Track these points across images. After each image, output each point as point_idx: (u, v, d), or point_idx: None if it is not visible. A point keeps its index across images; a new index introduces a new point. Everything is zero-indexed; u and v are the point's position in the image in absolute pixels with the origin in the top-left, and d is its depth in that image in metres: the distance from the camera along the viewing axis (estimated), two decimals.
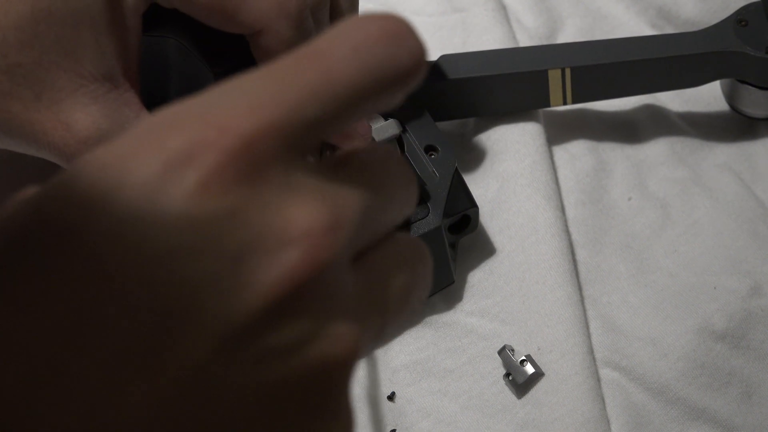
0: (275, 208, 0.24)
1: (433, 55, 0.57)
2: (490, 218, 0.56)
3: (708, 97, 0.62)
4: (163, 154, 0.23)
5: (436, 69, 0.56)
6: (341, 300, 0.25)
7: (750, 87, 0.58)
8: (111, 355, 0.22)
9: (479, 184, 0.57)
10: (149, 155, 0.23)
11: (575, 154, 0.59)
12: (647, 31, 0.64)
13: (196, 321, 0.23)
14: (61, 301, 0.22)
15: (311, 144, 0.26)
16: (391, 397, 0.51)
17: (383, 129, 0.49)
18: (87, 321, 0.22)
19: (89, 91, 0.42)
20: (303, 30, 0.44)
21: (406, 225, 0.51)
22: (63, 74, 0.42)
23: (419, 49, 0.27)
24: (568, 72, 0.56)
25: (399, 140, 0.49)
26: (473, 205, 0.52)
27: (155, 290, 0.23)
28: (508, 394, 0.51)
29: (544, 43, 0.63)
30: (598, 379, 0.51)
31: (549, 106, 0.58)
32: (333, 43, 0.26)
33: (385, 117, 0.52)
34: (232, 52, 0.47)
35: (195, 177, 0.23)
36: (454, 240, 0.53)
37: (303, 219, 0.24)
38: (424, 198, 0.52)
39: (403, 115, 0.53)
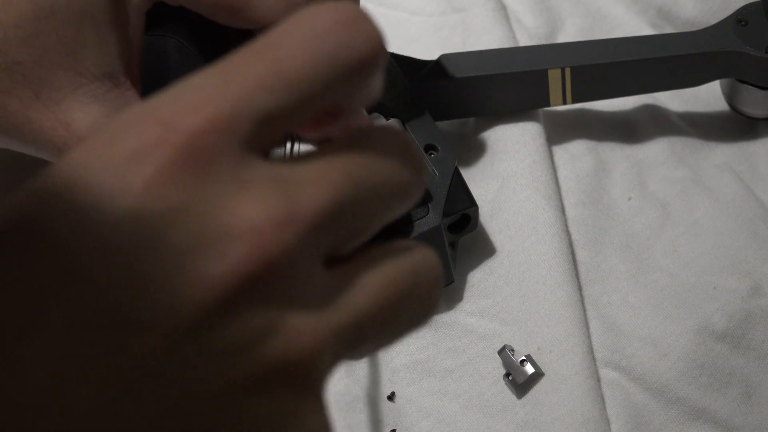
0: (223, 202, 0.24)
1: (433, 55, 0.57)
2: (490, 218, 0.56)
3: (708, 97, 0.62)
4: (113, 155, 0.24)
5: (436, 69, 0.56)
6: (301, 296, 0.25)
7: (750, 87, 0.58)
8: (57, 350, 0.22)
9: (479, 184, 0.57)
10: (100, 157, 0.24)
11: (575, 154, 0.59)
12: (647, 31, 0.64)
13: (143, 316, 0.23)
14: (4, 294, 0.23)
15: (270, 136, 0.25)
16: (391, 397, 0.51)
17: None
18: (31, 315, 0.23)
19: (89, 90, 0.42)
20: None
21: (407, 224, 0.51)
22: (63, 73, 0.42)
23: (375, 35, 0.26)
24: (567, 72, 0.56)
25: None
26: (473, 204, 0.52)
27: (101, 286, 0.23)
28: (508, 394, 0.51)
29: (544, 43, 0.63)
30: (598, 379, 0.51)
31: (549, 105, 0.58)
32: (284, 34, 0.26)
33: (386, 116, 0.51)
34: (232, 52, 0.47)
35: (142, 175, 0.23)
36: (454, 239, 0.53)
37: (250, 213, 0.24)
38: (423, 197, 0.52)
39: (402, 114, 0.53)
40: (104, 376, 0.22)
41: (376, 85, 0.27)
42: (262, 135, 0.25)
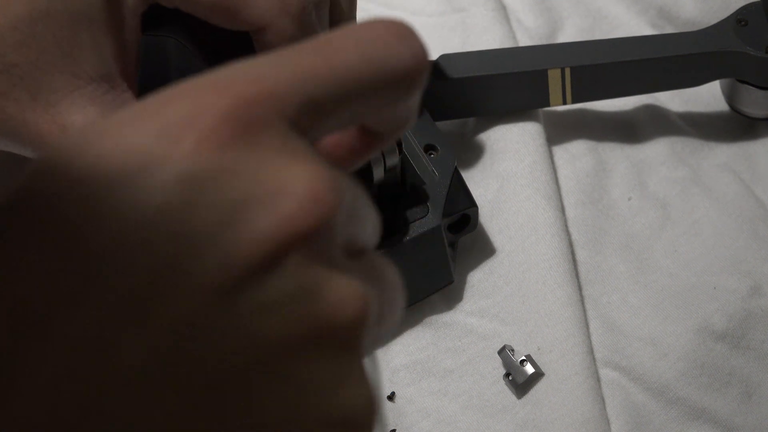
0: (274, 165, 0.24)
1: (433, 55, 0.57)
2: (489, 218, 0.56)
3: (708, 97, 0.62)
4: (162, 119, 0.24)
5: (436, 69, 0.56)
6: (343, 261, 0.25)
7: (750, 87, 0.58)
8: (103, 308, 0.23)
9: (479, 184, 0.57)
10: (147, 121, 0.24)
11: (575, 154, 0.59)
12: (647, 31, 0.64)
13: (189, 273, 0.23)
14: (47, 258, 0.23)
15: (312, 127, 0.26)
16: (391, 397, 0.51)
17: None
18: (77, 275, 0.23)
19: (86, 93, 0.42)
20: (305, 27, 0.44)
21: (405, 225, 0.51)
22: (60, 76, 0.42)
23: (421, 49, 0.27)
24: (567, 72, 0.56)
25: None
26: (473, 204, 0.52)
27: (146, 244, 0.23)
28: (508, 394, 0.51)
29: (544, 43, 0.63)
30: (598, 379, 0.51)
31: (549, 105, 0.58)
32: (339, 36, 0.27)
33: None
34: (232, 52, 0.47)
35: (192, 137, 0.24)
36: (454, 239, 0.53)
37: (303, 174, 0.24)
38: (423, 198, 0.52)
39: None
40: (154, 332, 0.23)
41: (413, 107, 0.28)
42: (307, 121, 0.26)
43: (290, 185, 0.24)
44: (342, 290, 0.25)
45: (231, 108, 0.24)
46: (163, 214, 0.23)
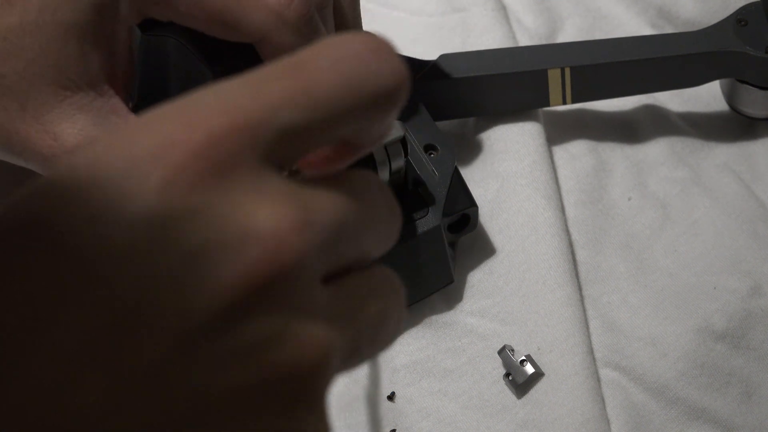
0: (240, 207, 0.24)
1: (433, 55, 0.57)
2: (489, 218, 0.56)
3: (708, 97, 0.62)
4: (132, 153, 0.24)
5: (435, 69, 0.56)
6: (310, 305, 0.25)
7: (750, 87, 0.58)
8: (67, 349, 0.22)
9: (479, 184, 0.57)
10: (118, 154, 0.24)
11: (575, 154, 0.59)
12: (647, 31, 0.64)
13: (154, 318, 0.23)
14: (15, 294, 0.23)
15: (288, 154, 0.25)
16: (391, 397, 0.51)
17: None
18: (42, 314, 0.22)
19: (74, 101, 0.43)
20: (306, 33, 0.44)
21: (405, 225, 0.51)
22: (46, 87, 0.42)
23: (400, 66, 0.27)
24: (567, 72, 0.56)
25: (402, 141, 0.49)
26: (473, 204, 0.52)
27: (112, 286, 0.23)
28: (508, 394, 0.51)
29: (544, 43, 0.63)
30: (598, 379, 0.51)
31: (548, 105, 0.58)
32: (315, 54, 0.26)
33: None
34: (232, 52, 0.47)
35: (160, 174, 0.23)
36: (454, 239, 0.53)
37: (268, 218, 0.24)
38: (423, 197, 0.51)
39: (402, 114, 0.53)
40: (112, 375, 0.22)
41: (391, 121, 0.27)
42: (282, 149, 0.25)
43: (255, 230, 0.24)
44: (303, 337, 0.24)
45: (200, 144, 0.24)
46: (125, 256, 0.23)
